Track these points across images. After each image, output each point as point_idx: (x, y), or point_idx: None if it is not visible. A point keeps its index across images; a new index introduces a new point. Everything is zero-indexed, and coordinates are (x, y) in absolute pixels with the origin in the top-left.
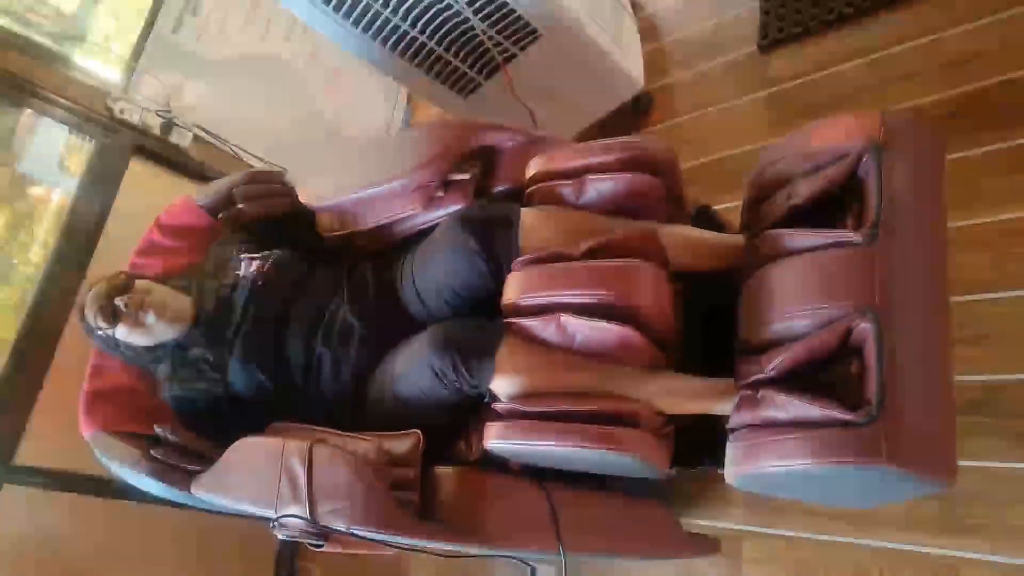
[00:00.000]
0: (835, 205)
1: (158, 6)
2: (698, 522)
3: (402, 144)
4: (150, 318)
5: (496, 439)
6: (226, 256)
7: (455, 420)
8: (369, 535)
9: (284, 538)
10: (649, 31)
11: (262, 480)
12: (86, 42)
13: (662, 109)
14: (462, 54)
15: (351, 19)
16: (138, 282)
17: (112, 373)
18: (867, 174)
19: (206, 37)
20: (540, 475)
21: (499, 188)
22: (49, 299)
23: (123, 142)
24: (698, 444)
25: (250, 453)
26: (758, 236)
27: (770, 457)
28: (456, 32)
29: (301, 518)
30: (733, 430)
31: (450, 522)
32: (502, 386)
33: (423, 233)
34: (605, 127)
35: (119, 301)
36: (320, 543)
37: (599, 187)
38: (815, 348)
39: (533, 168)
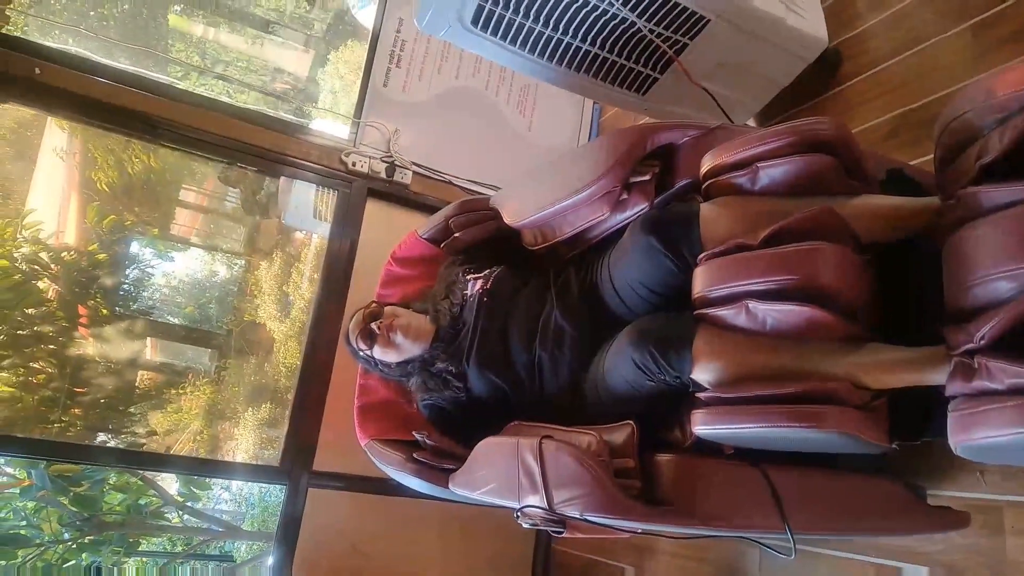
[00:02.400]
0: None
1: (370, 65)
2: (948, 494)
3: (584, 157)
4: (399, 338)
5: (701, 426)
6: (452, 278)
7: (665, 410)
8: (601, 521)
9: (528, 526)
10: None
11: (504, 475)
12: (317, 105)
13: (853, 61)
14: (633, 55)
15: (516, 43)
16: (386, 308)
17: (375, 389)
18: None
19: (409, 84)
20: (756, 458)
21: (680, 183)
22: (322, 327)
23: (358, 189)
24: (917, 416)
25: (492, 451)
26: (953, 196)
27: (990, 427)
28: (622, 36)
29: (540, 507)
30: (951, 398)
31: (672, 505)
32: (702, 374)
33: (618, 233)
34: (795, 92)
35: (374, 325)
36: (560, 530)
37: (771, 173)
38: (1022, 313)
39: (706, 164)
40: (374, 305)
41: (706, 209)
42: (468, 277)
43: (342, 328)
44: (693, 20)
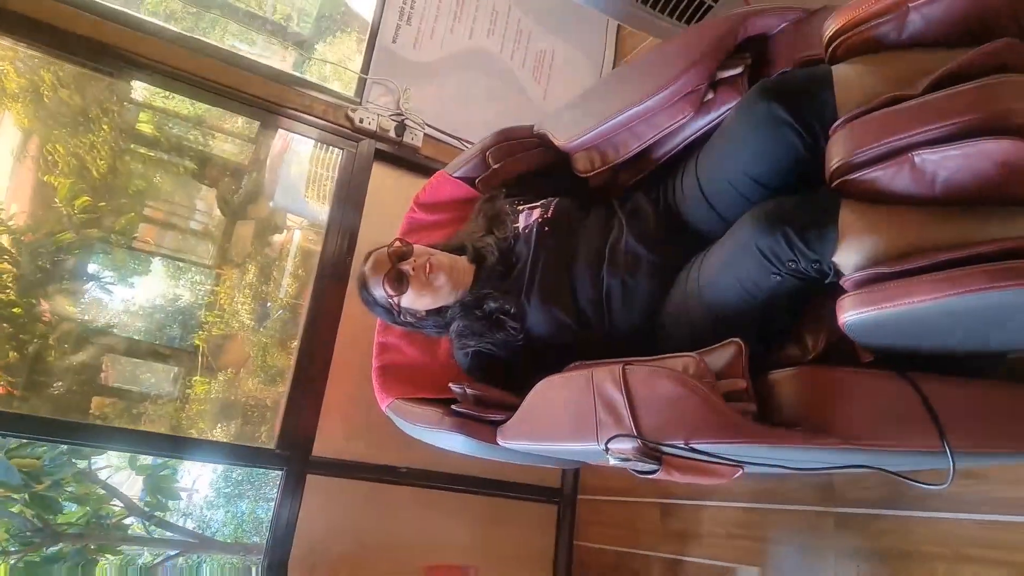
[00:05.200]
0: None
1: (377, 22)
2: None
3: (655, 60)
4: (440, 279)
5: (854, 311)
6: (496, 211)
7: (781, 323)
8: (711, 447)
9: (616, 462)
10: None
11: (576, 413)
12: (326, 64)
13: None
14: None
15: None
16: (416, 247)
17: (396, 348)
18: None
19: (421, 42)
20: (899, 367)
21: (780, 73)
22: (322, 301)
23: (366, 148)
24: None
25: (556, 391)
26: None
27: None
28: None
29: (631, 437)
30: None
31: (803, 424)
32: (851, 255)
33: (694, 146)
34: None
35: (405, 266)
36: (655, 466)
37: (926, 12)
38: None
39: (833, 24)
40: (400, 243)
41: (841, 69)
42: (521, 207)
43: (353, 274)
44: None
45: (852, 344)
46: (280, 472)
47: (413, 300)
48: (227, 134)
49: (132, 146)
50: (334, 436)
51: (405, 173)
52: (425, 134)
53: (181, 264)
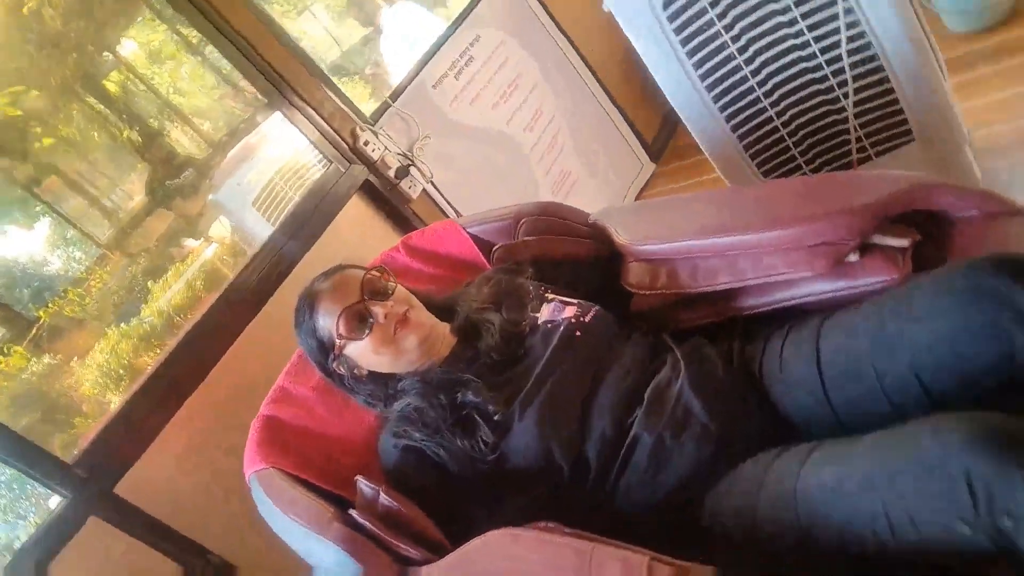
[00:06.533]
0: None
1: (427, 59)
2: None
3: (776, 192)
4: (410, 341)
5: None
6: (516, 288)
7: None
8: None
9: None
10: None
11: None
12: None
13: None
14: (807, 143)
15: (693, 58)
16: (399, 287)
17: (302, 400)
18: None
19: (460, 102)
20: None
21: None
22: (215, 322)
23: (355, 174)
24: None
25: (525, 556)
26: None
27: None
28: (816, 116)
29: None
30: None
31: None
32: None
33: (805, 311)
34: None
35: (377, 308)
36: None
37: None
38: None
39: None
40: (381, 274)
41: None
42: (551, 297)
43: (307, 288)
44: (898, 132)
45: None
46: (64, 498)
47: (364, 353)
48: (193, 130)
49: (86, 95)
50: (153, 480)
51: (383, 220)
52: (424, 190)
53: (70, 234)
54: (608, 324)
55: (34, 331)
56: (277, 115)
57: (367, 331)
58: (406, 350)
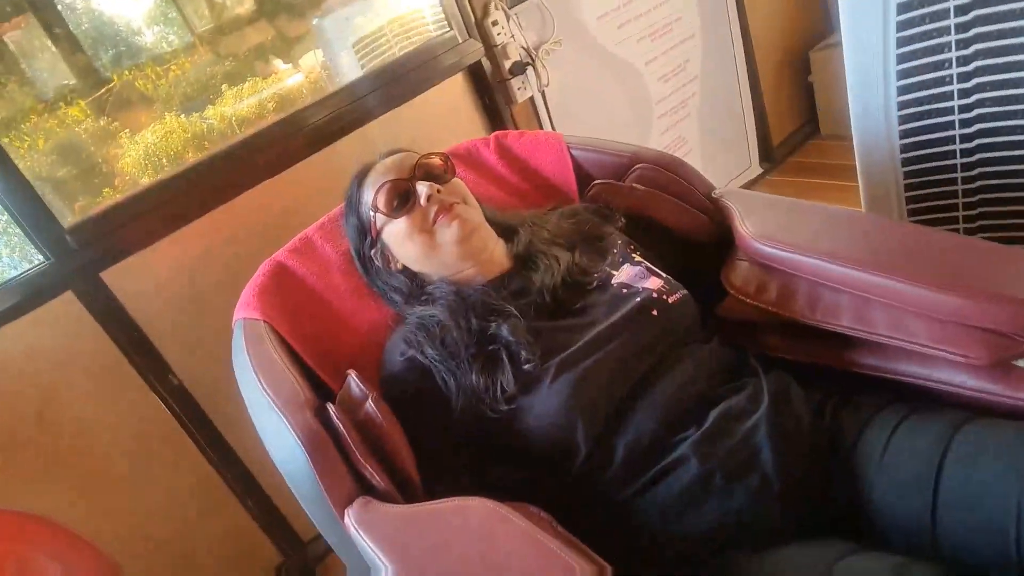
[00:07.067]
0: None
1: None
2: None
3: (978, 250)
4: (448, 233)
5: None
6: (600, 234)
7: None
8: None
9: None
10: None
11: None
12: None
13: None
14: (980, 210)
15: (905, 92)
16: (457, 179)
17: (326, 260)
18: None
19: (606, 20)
20: None
21: None
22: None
23: (469, 49)
24: None
25: (504, 537)
26: None
27: None
28: (1010, 185)
29: None
30: None
31: None
32: None
33: (926, 394)
34: None
35: (423, 188)
36: None
37: None
38: None
39: None
40: (444, 160)
41: None
42: (637, 259)
43: (369, 163)
44: None
45: None
46: (46, 260)
47: (400, 239)
48: None
49: None
50: (142, 280)
51: (477, 111)
52: (532, 97)
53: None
54: (692, 315)
55: (102, 91)
56: None
57: (406, 211)
58: (442, 243)
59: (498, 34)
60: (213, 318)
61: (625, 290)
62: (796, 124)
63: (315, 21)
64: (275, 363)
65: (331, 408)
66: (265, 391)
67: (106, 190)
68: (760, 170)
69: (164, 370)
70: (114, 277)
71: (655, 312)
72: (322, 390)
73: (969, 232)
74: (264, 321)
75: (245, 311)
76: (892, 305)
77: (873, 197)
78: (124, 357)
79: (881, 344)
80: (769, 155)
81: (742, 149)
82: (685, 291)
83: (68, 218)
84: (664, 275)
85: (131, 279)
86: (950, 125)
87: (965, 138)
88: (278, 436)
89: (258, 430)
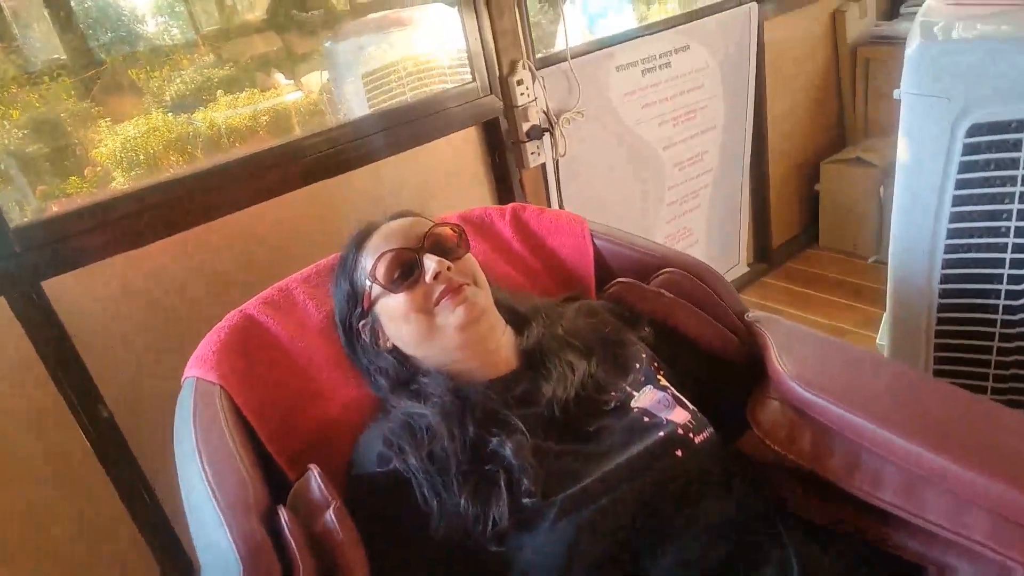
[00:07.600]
0: None
1: (627, 39)
2: None
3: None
4: (452, 317)
5: None
6: (620, 341)
7: None
8: None
9: None
10: None
11: None
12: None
13: None
14: (1014, 371)
15: (955, 223)
16: (469, 256)
17: (305, 318)
18: None
19: (631, 98)
20: None
21: None
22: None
23: (488, 104)
24: None
25: None
26: None
27: None
28: None
29: None
30: None
31: None
32: None
33: None
34: None
35: (431, 263)
36: None
37: None
38: None
39: None
40: (450, 229)
41: None
42: (663, 380)
43: (370, 227)
44: None
45: None
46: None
47: (395, 316)
48: None
49: None
50: (86, 298)
51: (484, 168)
52: (544, 164)
53: (179, 8)
54: (716, 457)
55: (91, 72)
56: (443, 4)
57: (407, 286)
58: (443, 325)
59: (521, 94)
60: (163, 355)
61: (647, 419)
62: (797, 230)
63: (327, 44)
64: (224, 447)
65: (283, 514)
66: (207, 481)
67: (73, 178)
68: (746, 268)
69: (95, 399)
70: (58, 289)
71: (679, 453)
72: (274, 471)
73: (997, 393)
74: (221, 386)
75: (200, 369)
76: (937, 480)
77: (899, 326)
78: (51, 378)
79: (929, 531)
80: (766, 256)
81: (732, 247)
82: (711, 429)
83: (25, 206)
84: (691, 407)
85: (77, 293)
86: (998, 279)
87: (1011, 295)
88: (211, 537)
89: (189, 519)
